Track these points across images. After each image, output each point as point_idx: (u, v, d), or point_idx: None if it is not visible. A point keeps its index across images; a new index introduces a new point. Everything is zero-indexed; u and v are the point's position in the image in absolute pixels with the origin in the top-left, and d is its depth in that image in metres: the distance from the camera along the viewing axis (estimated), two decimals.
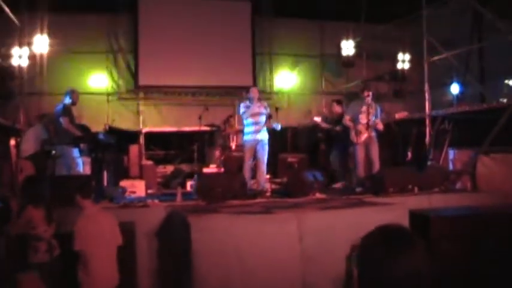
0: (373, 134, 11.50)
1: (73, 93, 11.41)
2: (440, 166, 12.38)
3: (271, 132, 11.51)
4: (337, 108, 13.26)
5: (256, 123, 11.01)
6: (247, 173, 10.99)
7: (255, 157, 11.15)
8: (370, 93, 11.68)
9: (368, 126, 11.43)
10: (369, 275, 2.36)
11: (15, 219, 6.83)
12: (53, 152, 10.98)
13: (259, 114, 11.08)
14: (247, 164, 11.08)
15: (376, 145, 11.51)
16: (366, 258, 2.39)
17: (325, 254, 7.39)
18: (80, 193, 6.62)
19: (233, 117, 15.46)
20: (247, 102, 11.23)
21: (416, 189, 10.64)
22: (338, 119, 12.77)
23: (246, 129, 11.15)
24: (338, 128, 12.58)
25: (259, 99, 11.27)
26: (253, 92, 11.28)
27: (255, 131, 11.03)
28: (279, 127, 11.39)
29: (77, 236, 6.32)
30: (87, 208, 6.58)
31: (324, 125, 13.14)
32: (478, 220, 8.39)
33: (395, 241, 2.35)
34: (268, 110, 11.27)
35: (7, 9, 12.52)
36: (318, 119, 13.36)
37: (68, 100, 11.28)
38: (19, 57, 12.62)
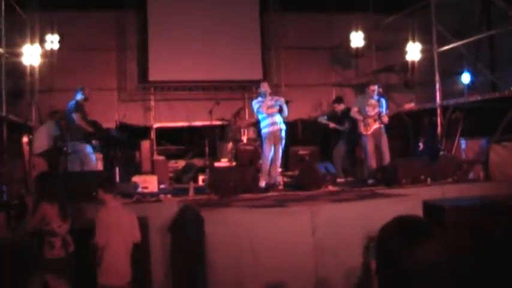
0: (382, 125, 11.49)
1: (84, 90, 11.46)
2: (453, 156, 12.35)
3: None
4: (339, 107, 13.30)
5: (271, 116, 10.95)
6: (266, 165, 10.90)
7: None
8: (376, 88, 11.69)
9: (376, 118, 11.43)
10: (386, 266, 2.37)
11: (30, 215, 6.87)
12: (65, 148, 11.06)
13: (273, 106, 11.04)
14: (267, 157, 10.96)
15: (385, 136, 11.50)
16: (383, 249, 2.40)
17: (338, 246, 7.40)
18: (102, 187, 6.74)
19: (243, 110, 15.48)
20: (259, 98, 11.20)
21: (429, 180, 10.62)
22: (344, 115, 12.79)
23: (263, 123, 11.08)
24: (347, 125, 12.58)
25: (271, 93, 11.22)
26: (264, 87, 11.23)
27: (271, 123, 10.96)
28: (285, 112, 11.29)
29: (98, 228, 6.41)
30: (109, 202, 6.67)
31: (332, 125, 13.12)
32: (491, 209, 8.38)
33: (412, 231, 2.35)
34: (281, 100, 11.20)
35: (18, 8, 12.58)
36: (323, 119, 13.35)
37: (79, 96, 11.32)
38: (30, 54, 12.67)
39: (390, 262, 2.33)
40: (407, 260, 2.26)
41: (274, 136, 10.91)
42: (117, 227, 6.49)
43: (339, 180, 11.73)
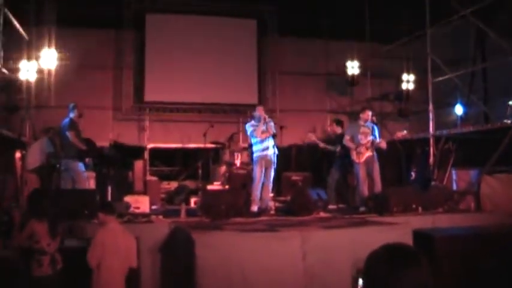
0: (374, 153, 11.53)
1: (76, 107, 11.47)
2: (444, 186, 12.40)
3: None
4: (337, 129, 13.31)
5: (264, 140, 11.00)
6: (257, 189, 10.92)
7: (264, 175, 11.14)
8: (369, 114, 11.75)
9: (368, 146, 11.47)
10: None
11: (17, 231, 6.84)
12: (58, 165, 11.05)
13: (267, 131, 11.08)
14: (258, 181, 10.98)
15: (377, 164, 11.54)
16: (371, 276, 2.43)
17: (328, 272, 7.41)
18: (103, 211, 6.75)
19: (238, 134, 15.51)
20: (253, 122, 11.24)
21: (420, 209, 10.67)
22: (337, 139, 12.81)
23: (255, 147, 11.13)
24: (338, 149, 12.59)
25: (265, 117, 11.26)
26: (259, 111, 11.27)
27: (264, 148, 11.02)
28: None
29: (94, 247, 6.40)
30: (110, 223, 6.67)
31: (322, 145, 13.13)
32: (481, 240, 8.41)
33: (399, 259, 2.38)
34: (273, 129, 11.24)
35: (16, 23, 12.62)
36: (312, 135, 13.37)
37: (73, 114, 11.34)
38: (26, 70, 12.69)
39: None
40: (394, 287, 2.28)
41: (266, 160, 10.96)
42: (113, 248, 6.46)
43: (330, 206, 11.73)
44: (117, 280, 6.50)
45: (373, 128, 11.70)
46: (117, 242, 6.56)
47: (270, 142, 11.04)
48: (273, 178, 11.25)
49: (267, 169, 11.01)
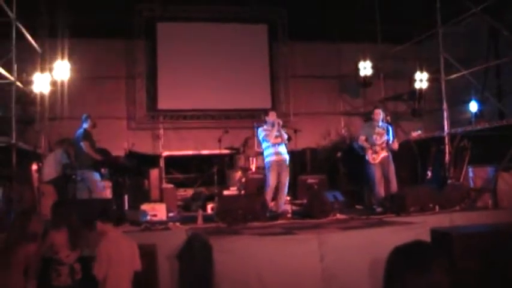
0: (389, 153, 11.50)
1: (89, 118, 11.55)
2: (461, 184, 12.33)
3: (290, 153, 11.60)
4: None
5: (276, 146, 11.09)
6: (270, 195, 11.02)
7: (277, 179, 11.19)
8: (380, 114, 11.71)
9: (383, 146, 11.44)
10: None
11: (39, 242, 6.85)
12: (74, 176, 11.11)
13: (280, 136, 11.15)
14: (271, 186, 11.08)
15: (392, 164, 11.50)
16: (391, 274, 2.43)
17: (346, 274, 7.39)
18: (100, 219, 6.67)
19: (252, 139, 15.51)
20: (265, 126, 11.31)
21: (437, 207, 10.62)
22: None
23: (267, 152, 11.24)
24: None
25: (279, 122, 11.32)
26: (271, 116, 11.36)
27: (276, 153, 11.10)
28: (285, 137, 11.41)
29: (99, 261, 6.36)
30: (109, 232, 6.62)
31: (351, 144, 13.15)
32: (499, 237, 8.35)
33: (418, 256, 2.38)
34: (286, 136, 11.34)
35: (28, 36, 12.71)
36: (345, 133, 13.37)
37: (86, 124, 11.41)
38: (40, 82, 12.77)
39: (396, 285, 2.37)
40: (414, 284, 2.28)
41: (278, 165, 11.05)
42: (117, 258, 6.40)
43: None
44: (125, 287, 6.49)
45: (387, 128, 11.68)
46: (120, 250, 6.50)
47: (282, 148, 11.12)
48: (288, 182, 11.29)
49: (280, 173, 11.07)
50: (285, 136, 11.29)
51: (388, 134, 11.61)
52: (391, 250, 2.52)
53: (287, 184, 11.24)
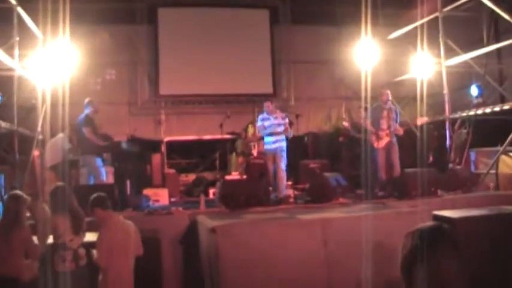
0: (394, 138, 11.51)
1: (91, 103, 11.57)
2: (462, 168, 12.36)
3: (291, 139, 11.65)
4: (365, 115, 13.24)
5: (272, 134, 11.23)
6: (271, 180, 11.11)
7: (274, 165, 11.28)
8: (389, 95, 11.70)
9: (389, 132, 11.45)
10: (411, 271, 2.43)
11: (42, 226, 6.88)
12: (76, 161, 11.13)
13: (277, 125, 11.24)
14: (270, 171, 11.21)
15: (396, 150, 11.53)
16: (408, 255, 2.46)
17: (350, 258, 7.42)
18: (99, 206, 6.67)
19: (253, 124, 15.53)
20: (265, 114, 11.45)
21: (439, 191, 10.65)
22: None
23: (265, 139, 11.40)
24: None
25: (276, 109, 11.44)
26: (266, 106, 11.56)
27: (272, 141, 11.24)
28: (290, 135, 11.52)
29: (100, 248, 6.38)
30: (109, 219, 6.62)
31: (353, 133, 13.12)
32: (502, 220, 8.37)
33: (435, 238, 2.41)
34: (287, 119, 11.40)
35: (30, 21, 12.68)
36: (346, 124, 13.36)
37: (88, 110, 11.42)
38: (41, 68, 12.75)
39: (415, 267, 2.40)
40: (430, 265, 2.31)
41: (274, 153, 11.17)
42: (119, 245, 6.41)
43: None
44: (126, 278, 6.48)
45: (395, 111, 11.69)
46: (121, 237, 6.50)
47: (278, 136, 11.19)
48: (286, 167, 11.37)
49: (276, 159, 11.18)
50: (282, 121, 11.34)
51: (395, 117, 11.62)
52: (409, 233, 2.54)
53: (284, 168, 11.31)
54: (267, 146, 11.46)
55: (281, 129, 11.32)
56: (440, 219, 8.23)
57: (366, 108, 13.48)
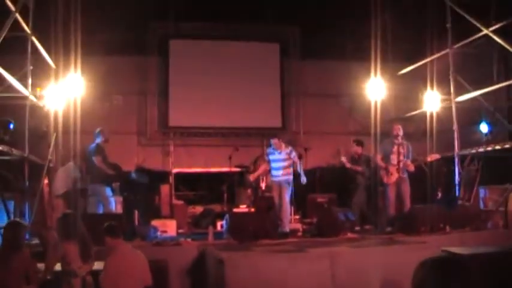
0: (405, 174, 11.50)
1: (102, 132, 11.64)
2: (471, 205, 12.33)
3: (297, 174, 11.69)
4: (357, 149, 13.25)
5: (277, 169, 11.32)
6: (277, 213, 11.12)
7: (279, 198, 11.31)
8: (400, 129, 11.72)
9: (399, 167, 11.44)
10: None
11: (51, 253, 6.89)
12: (85, 190, 11.16)
13: (281, 160, 11.36)
14: (276, 203, 11.26)
15: (407, 185, 11.51)
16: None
17: None
18: (109, 234, 6.67)
19: (262, 157, 15.55)
20: (271, 149, 11.60)
21: (447, 228, 10.61)
22: (358, 159, 12.81)
23: (272, 172, 11.48)
24: (360, 168, 12.56)
25: (282, 145, 11.55)
26: (274, 143, 11.66)
27: (277, 175, 11.34)
28: (304, 181, 11.57)
29: (105, 275, 6.37)
30: (118, 247, 6.62)
31: (348, 165, 13.09)
32: (511, 257, 8.33)
33: (447, 270, 2.42)
34: (293, 154, 11.47)
35: (43, 51, 12.81)
36: (344, 158, 13.36)
37: (99, 139, 11.48)
38: (54, 97, 12.85)
39: None
40: None
41: (279, 186, 11.22)
42: (125, 273, 6.40)
43: (356, 228, 11.74)
44: None
45: (407, 147, 11.70)
46: (129, 265, 6.50)
47: (284, 170, 11.26)
48: (291, 200, 11.41)
49: (281, 192, 11.21)
50: (286, 157, 11.45)
51: (407, 153, 11.63)
52: (420, 263, 2.56)
53: (288, 201, 11.33)
54: (273, 178, 11.59)
55: (287, 163, 11.38)
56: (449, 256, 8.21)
57: (359, 142, 13.50)
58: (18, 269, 6.38)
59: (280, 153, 11.42)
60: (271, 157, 11.55)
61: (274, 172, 11.49)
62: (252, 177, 12.65)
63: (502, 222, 11.36)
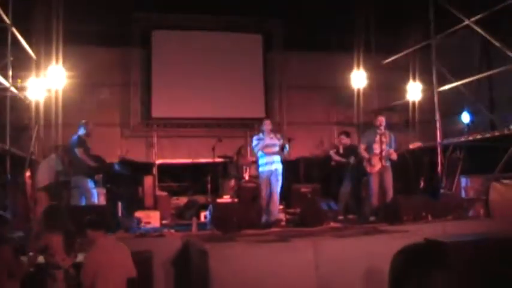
0: (387, 163, 11.55)
1: (87, 125, 11.56)
2: (453, 194, 12.42)
3: (284, 162, 11.63)
4: (345, 140, 13.26)
5: (269, 155, 11.13)
6: (263, 203, 11.04)
7: (269, 188, 11.21)
8: (383, 120, 11.75)
9: (381, 156, 11.48)
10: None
11: (33, 241, 6.86)
12: (68, 182, 11.11)
13: (272, 145, 11.19)
14: (265, 195, 11.12)
15: (390, 174, 11.55)
16: (395, 277, 2.49)
17: (341, 281, 7.43)
18: (90, 227, 6.64)
19: (245, 148, 15.54)
20: (260, 135, 11.37)
21: (430, 217, 10.67)
22: (347, 151, 12.83)
23: (260, 161, 11.30)
24: (352, 159, 12.56)
25: (272, 131, 11.39)
26: (266, 125, 11.43)
27: (268, 163, 11.15)
28: (287, 148, 11.45)
29: (86, 268, 6.34)
30: (99, 240, 6.58)
31: (337, 158, 13.11)
32: (492, 246, 8.39)
33: (421, 261, 2.43)
34: (282, 141, 11.34)
35: (24, 42, 12.72)
36: (332, 152, 13.38)
37: (82, 131, 11.42)
38: (35, 89, 12.78)
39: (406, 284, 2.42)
40: (421, 281, 2.34)
41: (271, 175, 11.06)
42: (107, 267, 6.33)
43: (339, 217, 11.76)
44: None
45: (389, 136, 11.73)
46: (110, 258, 6.44)
47: (276, 157, 11.15)
48: (280, 191, 11.33)
49: (272, 183, 11.11)
50: (277, 142, 11.29)
51: (390, 142, 11.66)
52: (395, 254, 2.56)
53: (278, 192, 11.26)
54: (262, 169, 11.31)
55: (276, 149, 11.26)
56: (432, 244, 8.26)
57: (347, 134, 13.53)
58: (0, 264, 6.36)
59: (271, 138, 11.30)
60: (263, 143, 11.28)
61: (263, 160, 11.29)
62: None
63: (484, 211, 11.43)
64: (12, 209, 10.84)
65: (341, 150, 13.11)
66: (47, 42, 14.06)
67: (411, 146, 12.00)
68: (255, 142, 11.37)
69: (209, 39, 17.48)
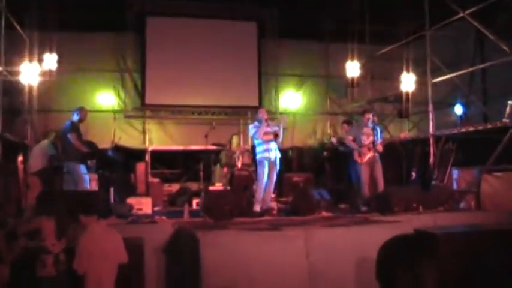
0: (376, 154, 11.59)
1: (81, 111, 11.52)
2: (445, 185, 12.44)
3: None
4: (347, 128, 13.27)
5: (267, 142, 11.09)
6: (260, 191, 10.97)
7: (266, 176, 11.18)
8: (370, 117, 11.81)
9: (370, 147, 11.53)
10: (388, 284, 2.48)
11: (24, 222, 6.86)
12: (60, 168, 11.10)
13: (270, 133, 11.16)
14: (261, 182, 11.04)
15: (379, 164, 11.59)
16: (384, 268, 2.51)
17: (332, 270, 7.47)
18: (82, 212, 6.63)
19: (238, 136, 15.52)
20: (256, 123, 11.34)
21: (421, 208, 10.70)
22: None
23: (258, 149, 11.20)
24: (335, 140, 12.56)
25: (267, 119, 11.36)
26: (262, 113, 11.38)
27: (266, 150, 11.09)
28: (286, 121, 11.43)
29: (79, 255, 6.34)
30: (91, 225, 6.58)
31: (337, 143, 13.13)
32: (483, 237, 8.44)
33: (411, 251, 2.46)
34: (276, 128, 11.29)
35: (17, 26, 12.67)
36: (334, 139, 13.40)
37: (75, 117, 11.38)
38: (28, 73, 12.73)
39: (391, 280, 2.44)
40: (406, 278, 2.36)
41: (269, 162, 11.02)
42: (99, 252, 6.33)
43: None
44: (106, 280, 6.43)
45: (375, 128, 11.77)
46: (102, 245, 6.43)
47: (273, 144, 11.11)
48: (275, 180, 11.32)
49: (269, 171, 11.08)
50: (273, 130, 11.26)
51: (376, 135, 11.70)
52: (383, 244, 2.59)
53: (274, 181, 11.26)
54: (260, 155, 11.03)
55: (273, 136, 11.21)
56: (422, 235, 8.30)
57: (348, 122, 13.57)
58: None
59: (268, 125, 11.25)
60: (260, 131, 11.20)
61: (265, 146, 11.20)
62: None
63: (475, 203, 11.47)
64: (4, 194, 10.81)
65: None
66: (40, 27, 14.02)
67: (402, 135, 12.05)
68: (253, 130, 11.25)
69: (203, 26, 17.43)
